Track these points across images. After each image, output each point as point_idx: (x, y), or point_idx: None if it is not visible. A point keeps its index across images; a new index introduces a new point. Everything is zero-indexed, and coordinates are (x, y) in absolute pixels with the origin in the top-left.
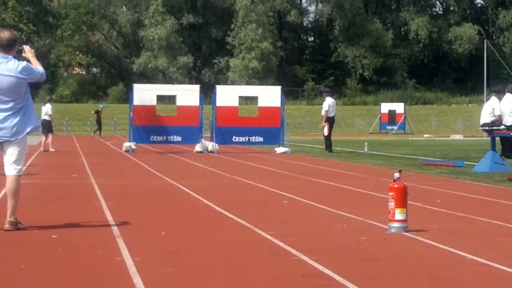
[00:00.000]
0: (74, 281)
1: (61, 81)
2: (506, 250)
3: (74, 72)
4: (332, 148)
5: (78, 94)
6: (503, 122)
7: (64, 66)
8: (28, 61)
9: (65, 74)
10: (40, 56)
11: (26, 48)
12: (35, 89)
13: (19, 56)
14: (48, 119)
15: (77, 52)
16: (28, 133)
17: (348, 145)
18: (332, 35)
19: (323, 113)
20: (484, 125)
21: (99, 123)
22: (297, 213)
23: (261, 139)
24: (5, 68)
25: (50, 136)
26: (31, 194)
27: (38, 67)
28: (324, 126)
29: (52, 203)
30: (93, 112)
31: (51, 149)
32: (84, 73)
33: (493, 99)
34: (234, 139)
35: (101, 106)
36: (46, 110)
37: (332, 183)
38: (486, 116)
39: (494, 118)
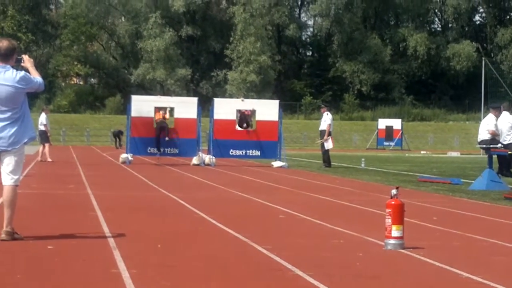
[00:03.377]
0: None
1: (59, 91)
2: (502, 269)
3: (72, 82)
4: (331, 163)
5: (75, 104)
6: (501, 140)
7: (62, 76)
8: (27, 70)
9: (63, 84)
10: (38, 66)
11: (25, 57)
12: (33, 99)
13: (17, 65)
14: (43, 129)
15: (75, 62)
16: (25, 143)
17: (345, 161)
18: (330, 50)
19: (325, 127)
20: (482, 142)
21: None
22: (293, 228)
23: (258, 153)
24: (3, 78)
25: (47, 146)
26: (28, 204)
27: (36, 77)
28: (326, 140)
29: (48, 213)
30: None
31: (48, 159)
32: (82, 83)
33: (490, 115)
34: (231, 152)
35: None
36: (41, 120)
37: (329, 199)
38: (484, 133)
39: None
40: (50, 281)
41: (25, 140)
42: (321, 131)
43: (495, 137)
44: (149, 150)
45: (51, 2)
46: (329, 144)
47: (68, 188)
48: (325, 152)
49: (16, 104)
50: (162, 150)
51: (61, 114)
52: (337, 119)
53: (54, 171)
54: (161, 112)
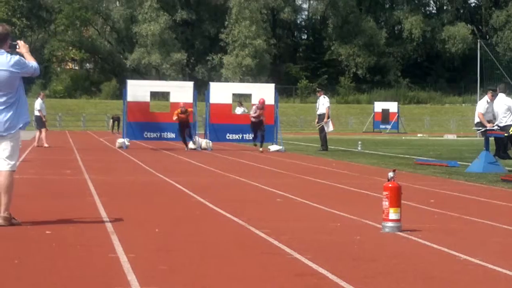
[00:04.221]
0: (67, 278)
1: (54, 76)
2: (499, 251)
3: (68, 67)
4: (328, 146)
5: (71, 89)
6: (497, 122)
7: (58, 61)
8: (22, 56)
9: (59, 69)
10: (33, 51)
11: (20, 43)
12: (28, 84)
13: (13, 51)
14: (38, 114)
15: (71, 47)
16: (20, 128)
17: (342, 144)
18: (325, 33)
19: (324, 110)
20: (477, 124)
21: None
22: (291, 211)
23: None
24: None
25: (43, 131)
26: (25, 189)
27: (31, 61)
28: (326, 122)
29: (45, 198)
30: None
31: (45, 145)
32: (77, 68)
33: (485, 97)
34: (228, 136)
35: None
36: (36, 105)
37: (326, 182)
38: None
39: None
40: (48, 266)
41: (20, 125)
42: (319, 114)
43: (482, 121)
44: (146, 134)
45: None
46: (329, 127)
47: (65, 174)
48: (323, 136)
49: (11, 89)
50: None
51: (57, 99)
52: (333, 102)
53: (51, 156)
54: (181, 109)
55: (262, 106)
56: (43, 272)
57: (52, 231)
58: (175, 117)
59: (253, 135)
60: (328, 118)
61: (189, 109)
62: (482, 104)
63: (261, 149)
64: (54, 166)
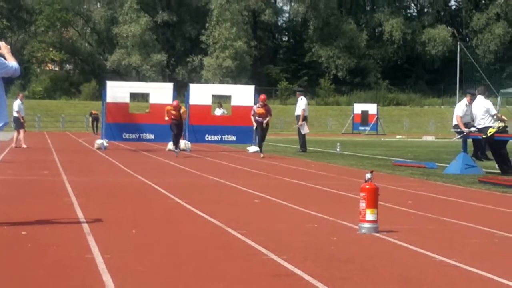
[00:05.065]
0: (43, 278)
1: (34, 77)
2: (475, 252)
3: (47, 68)
4: (306, 148)
5: (50, 90)
6: (475, 124)
7: (37, 62)
8: (3, 57)
9: (38, 70)
10: (13, 52)
11: (2, 44)
12: (8, 85)
13: None
14: (17, 115)
15: (51, 49)
16: (0, 129)
17: (321, 145)
18: (306, 35)
19: (300, 112)
20: (456, 126)
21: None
22: (268, 212)
23: (234, 138)
24: None
25: (21, 132)
26: (2, 190)
27: (12, 62)
28: (301, 125)
29: (22, 199)
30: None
31: (23, 145)
32: (57, 69)
33: (464, 100)
34: (207, 137)
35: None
36: (14, 106)
37: (304, 183)
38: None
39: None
40: (23, 267)
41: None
42: (296, 116)
43: (459, 124)
44: (125, 135)
45: None
46: (304, 129)
47: (43, 174)
48: (302, 137)
49: None
50: (176, 148)
51: (36, 100)
52: (313, 104)
53: (29, 157)
54: (174, 110)
55: (264, 103)
56: (18, 273)
57: (28, 232)
58: (167, 117)
59: (258, 139)
60: (305, 120)
61: (183, 108)
62: (460, 107)
63: (261, 155)
64: (32, 167)
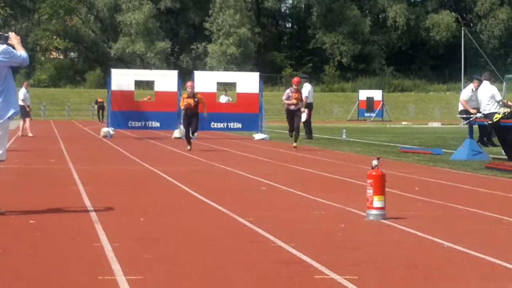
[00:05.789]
0: (52, 267)
1: (38, 65)
2: (483, 238)
3: (52, 56)
4: (312, 135)
5: (55, 78)
6: (481, 110)
7: (42, 50)
8: (13, 47)
9: (43, 58)
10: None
11: (12, 34)
12: (13, 73)
13: (3, 43)
14: (22, 104)
15: (55, 37)
16: (9, 118)
17: (326, 132)
18: (310, 21)
19: (303, 99)
20: (461, 112)
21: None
22: (275, 199)
23: (240, 125)
24: None
25: (27, 120)
26: (9, 178)
27: (21, 51)
28: (303, 112)
29: (30, 188)
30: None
31: (29, 134)
32: (61, 57)
33: (470, 86)
34: (213, 125)
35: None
36: (19, 95)
37: (310, 170)
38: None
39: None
40: (32, 256)
41: (9, 114)
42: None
43: (465, 108)
44: (130, 123)
45: None
46: (304, 116)
47: (50, 163)
48: (307, 124)
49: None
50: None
51: (41, 88)
52: (318, 90)
53: (35, 146)
54: (188, 98)
55: (298, 87)
56: (27, 261)
57: (36, 221)
58: (183, 105)
59: (289, 127)
60: (308, 107)
61: (199, 95)
62: (466, 92)
63: (294, 144)
64: (38, 155)
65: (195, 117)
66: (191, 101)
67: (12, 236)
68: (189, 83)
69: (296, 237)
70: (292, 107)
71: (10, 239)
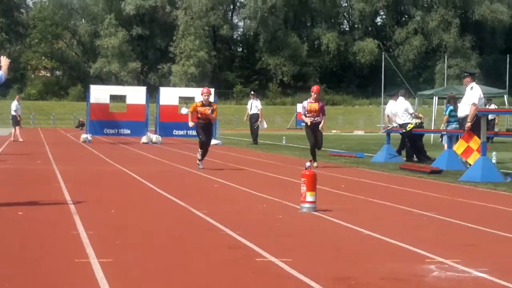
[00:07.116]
0: (37, 251)
1: (29, 82)
2: (396, 227)
3: (40, 74)
4: (257, 141)
5: (43, 93)
6: (396, 120)
7: (32, 69)
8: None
9: (33, 76)
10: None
11: (3, 58)
12: (6, 88)
13: None
14: (14, 114)
15: (43, 58)
16: None
17: (270, 139)
18: (257, 46)
19: (258, 111)
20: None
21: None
22: (225, 195)
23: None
24: None
25: (17, 128)
26: (2, 177)
27: (1, 72)
28: (261, 121)
29: (19, 185)
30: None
31: (20, 139)
32: (49, 75)
33: (390, 102)
34: (175, 132)
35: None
36: (12, 106)
37: (255, 170)
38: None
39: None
40: (19, 242)
41: None
42: (252, 114)
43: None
44: (106, 131)
45: (22, 6)
46: (264, 125)
47: (36, 164)
48: (255, 131)
49: None
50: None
51: (31, 101)
52: (263, 104)
53: (25, 149)
54: (203, 107)
55: (317, 96)
56: (15, 247)
57: (23, 212)
58: (195, 112)
59: (311, 144)
60: (262, 118)
61: (214, 105)
62: (387, 107)
63: (315, 164)
64: (27, 157)
65: (210, 125)
66: (206, 110)
67: (3, 225)
68: (204, 90)
69: (241, 226)
70: (313, 120)
71: (1, 228)
